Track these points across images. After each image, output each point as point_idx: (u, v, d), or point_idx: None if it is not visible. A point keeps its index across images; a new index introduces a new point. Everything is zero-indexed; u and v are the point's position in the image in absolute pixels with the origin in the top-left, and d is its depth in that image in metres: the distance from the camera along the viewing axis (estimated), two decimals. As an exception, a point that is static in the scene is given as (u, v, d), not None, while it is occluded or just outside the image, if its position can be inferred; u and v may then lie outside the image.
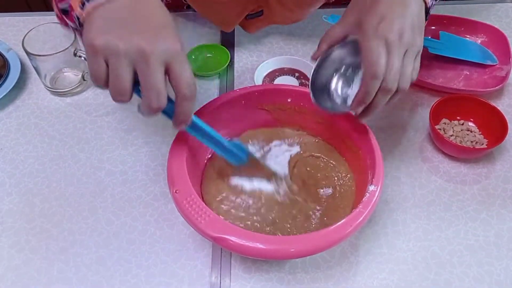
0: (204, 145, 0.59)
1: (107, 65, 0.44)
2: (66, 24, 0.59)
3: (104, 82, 0.45)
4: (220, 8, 0.72)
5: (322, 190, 0.60)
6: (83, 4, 0.46)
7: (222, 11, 0.73)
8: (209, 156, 0.64)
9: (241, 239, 0.47)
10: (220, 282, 0.57)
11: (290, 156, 0.64)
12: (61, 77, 0.77)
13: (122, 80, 0.44)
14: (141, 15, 0.46)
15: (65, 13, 0.55)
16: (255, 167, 0.61)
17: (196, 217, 0.49)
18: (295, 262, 0.58)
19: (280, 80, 0.77)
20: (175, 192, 0.51)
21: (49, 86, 0.76)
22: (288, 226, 0.57)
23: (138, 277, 0.57)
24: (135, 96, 0.47)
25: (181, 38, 0.46)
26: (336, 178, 0.62)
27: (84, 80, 0.76)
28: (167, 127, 0.72)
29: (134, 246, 0.60)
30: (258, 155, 0.63)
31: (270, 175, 0.61)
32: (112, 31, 0.44)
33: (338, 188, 0.61)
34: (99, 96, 0.76)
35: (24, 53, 0.71)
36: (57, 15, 0.59)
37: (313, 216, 0.58)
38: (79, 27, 0.49)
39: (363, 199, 0.51)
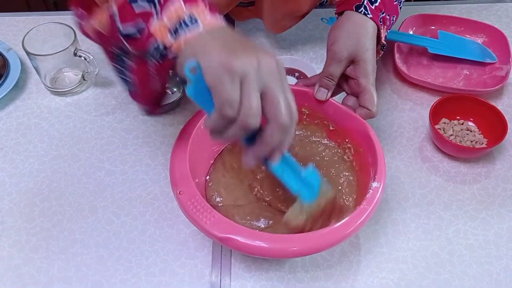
0: (207, 146, 0.59)
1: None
2: (106, 45, 0.52)
3: (236, 107, 0.42)
4: None
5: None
6: (175, 31, 0.45)
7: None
8: (216, 156, 0.64)
9: (247, 239, 0.47)
10: (220, 281, 0.57)
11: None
12: (61, 77, 0.77)
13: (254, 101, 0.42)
14: (239, 39, 0.45)
15: (128, 37, 0.48)
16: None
17: (201, 217, 0.49)
18: (295, 261, 0.58)
19: (280, 80, 0.77)
20: (179, 193, 0.51)
21: (49, 85, 0.76)
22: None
23: (138, 276, 0.57)
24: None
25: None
26: (338, 176, 0.61)
27: (84, 79, 0.76)
28: (167, 126, 0.72)
29: (134, 245, 0.60)
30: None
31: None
32: (236, 51, 0.42)
33: (340, 187, 0.60)
34: (99, 96, 0.76)
35: (24, 53, 0.71)
36: (94, 34, 0.53)
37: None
38: (154, 56, 0.47)
39: (367, 195, 0.51)
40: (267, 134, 0.43)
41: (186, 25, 0.45)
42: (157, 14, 0.46)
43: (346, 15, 0.62)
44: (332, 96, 0.62)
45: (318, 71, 0.76)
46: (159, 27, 0.46)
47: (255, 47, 0.44)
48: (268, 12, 0.76)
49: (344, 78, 0.62)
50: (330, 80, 0.60)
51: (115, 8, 0.48)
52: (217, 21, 0.46)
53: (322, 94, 0.61)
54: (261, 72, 0.42)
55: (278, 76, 0.43)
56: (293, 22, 0.78)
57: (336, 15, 0.65)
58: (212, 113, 0.43)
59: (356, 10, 0.61)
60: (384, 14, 0.62)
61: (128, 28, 0.48)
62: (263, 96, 0.42)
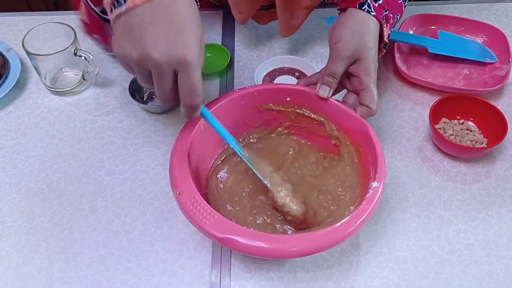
0: (207, 146, 0.59)
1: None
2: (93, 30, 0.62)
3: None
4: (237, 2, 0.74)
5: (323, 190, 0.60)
6: (111, 9, 0.49)
7: (239, 4, 0.74)
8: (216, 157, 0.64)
9: (247, 239, 0.47)
10: (220, 281, 0.57)
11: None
12: (61, 77, 0.77)
13: (140, 80, 0.51)
14: (160, 21, 0.47)
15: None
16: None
17: (201, 218, 0.49)
18: (295, 261, 0.58)
19: (280, 80, 0.77)
20: (179, 194, 0.50)
21: (49, 85, 0.76)
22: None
23: (138, 276, 0.57)
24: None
25: (198, 41, 0.48)
26: (338, 176, 0.61)
27: (84, 79, 0.76)
28: (167, 126, 0.72)
29: (134, 245, 0.60)
30: None
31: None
32: (128, 40, 0.47)
33: (341, 188, 0.60)
34: (99, 96, 0.76)
35: (24, 53, 0.71)
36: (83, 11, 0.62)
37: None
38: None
39: (367, 195, 0.51)
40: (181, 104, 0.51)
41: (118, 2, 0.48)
42: None
43: (349, 12, 0.62)
44: (333, 94, 0.62)
45: (318, 70, 0.76)
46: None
47: (171, 34, 0.47)
48: (280, 12, 0.76)
49: (347, 75, 0.62)
50: (333, 78, 0.60)
51: None
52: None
53: (324, 91, 0.61)
54: (168, 62, 0.47)
55: (184, 68, 0.47)
56: (299, 19, 0.78)
57: (339, 12, 0.65)
58: None
59: (360, 8, 0.61)
60: (387, 12, 0.62)
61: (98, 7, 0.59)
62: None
